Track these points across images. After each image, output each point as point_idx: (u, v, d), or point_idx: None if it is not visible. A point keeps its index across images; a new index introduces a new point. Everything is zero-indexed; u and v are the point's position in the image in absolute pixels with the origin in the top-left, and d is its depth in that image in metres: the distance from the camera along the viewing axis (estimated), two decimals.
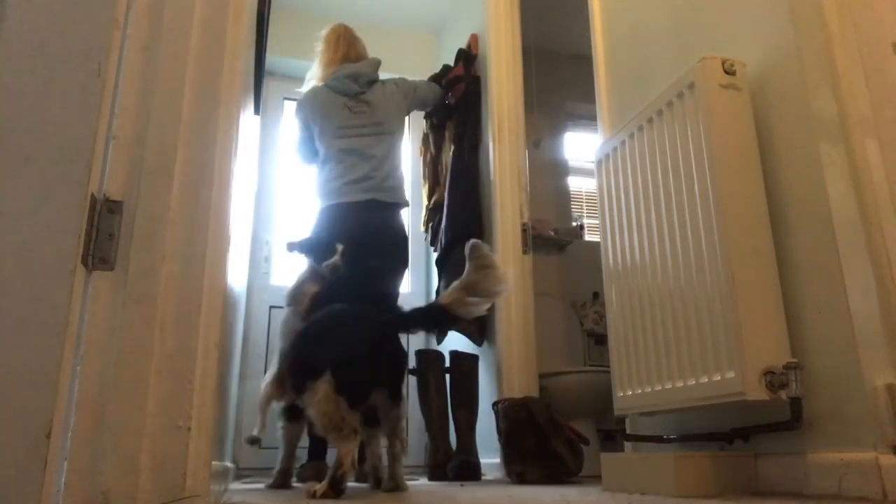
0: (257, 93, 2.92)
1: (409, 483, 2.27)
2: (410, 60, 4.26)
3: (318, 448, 2.36)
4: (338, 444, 1.48)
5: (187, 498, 0.87)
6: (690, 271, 1.48)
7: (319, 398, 1.46)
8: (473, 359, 2.79)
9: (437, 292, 3.27)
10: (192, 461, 0.89)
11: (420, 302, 3.97)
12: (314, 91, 2.80)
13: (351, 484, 2.02)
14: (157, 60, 0.98)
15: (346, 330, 1.60)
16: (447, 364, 2.78)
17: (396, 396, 1.67)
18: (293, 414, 1.95)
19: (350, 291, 1.84)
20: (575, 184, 4.36)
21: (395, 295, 2.61)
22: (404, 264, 2.68)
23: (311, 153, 2.80)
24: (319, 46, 2.95)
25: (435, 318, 1.71)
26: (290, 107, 4.06)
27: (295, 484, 2.11)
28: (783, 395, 1.27)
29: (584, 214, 4.30)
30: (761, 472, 1.37)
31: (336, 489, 1.45)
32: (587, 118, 4.33)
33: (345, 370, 1.48)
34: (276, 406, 2.09)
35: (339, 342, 1.56)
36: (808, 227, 1.34)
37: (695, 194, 1.48)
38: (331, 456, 2.59)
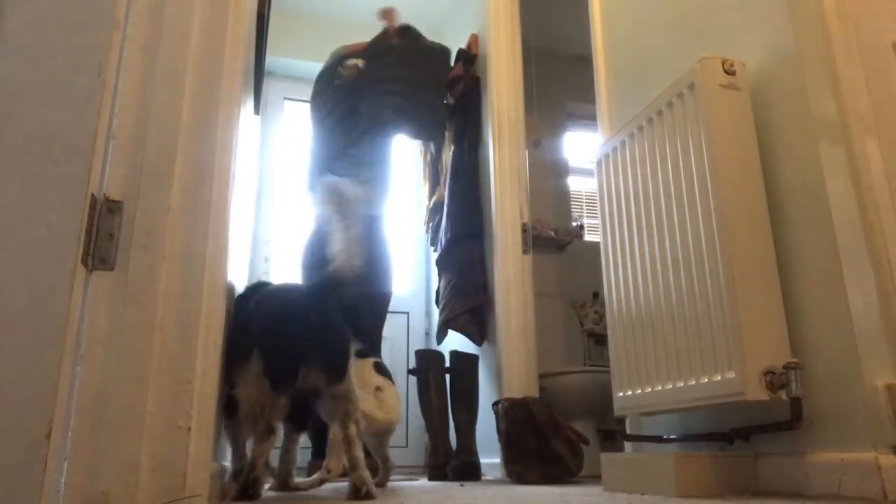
0: (257, 93, 2.93)
1: (408, 483, 2.28)
2: None
3: (321, 447, 2.35)
4: (253, 440, 1.37)
5: (187, 498, 0.87)
6: (690, 271, 1.48)
7: (247, 380, 1.35)
8: (473, 359, 2.79)
9: (438, 292, 3.27)
10: (192, 461, 0.89)
11: (421, 302, 3.98)
12: None
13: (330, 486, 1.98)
14: (157, 60, 0.98)
15: (269, 303, 1.47)
16: (447, 364, 2.78)
17: (334, 375, 1.43)
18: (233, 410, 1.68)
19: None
20: (575, 184, 4.36)
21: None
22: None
23: None
24: None
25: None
26: (290, 107, 4.07)
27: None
28: (783, 395, 1.27)
29: (584, 214, 4.30)
30: (761, 472, 1.37)
31: (246, 495, 1.32)
32: (587, 118, 4.32)
33: (269, 348, 1.36)
34: None
35: (262, 318, 1.43)
36: (808, 227, 1.34)
37: (695, 194, 1.47)
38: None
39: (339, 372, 1.43)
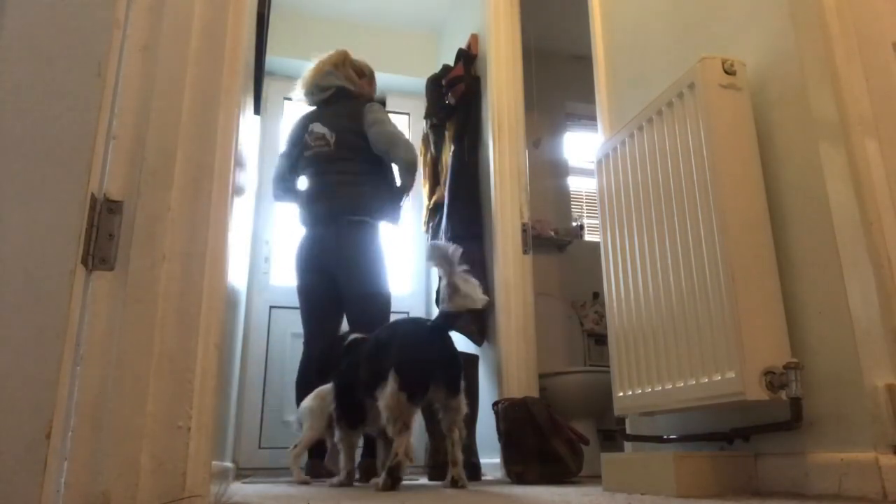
0: (257, 93, 2.93)
1: (408, 483, 2.28)
2: (410, 60, 4.27)
3: (371, 448, 2.43)
4: (394, 436, 1.71)
5: (187, 498, 0.87)
6: (690, 271, 1.48)
7: (388, 394, 1.72)
8: (473, 359, 2.79)
9: (438, 292, 3.27)
10: (192, 461, 0.89)
11: (420, 301, 3.98)
12: None
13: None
14: (157, 60, 0.98)
15: (403, 337, 1.86)
16: None
17: (453, 391, 1.84)
18: (350, 422, 2.09)
19: None
20: (575, 184, 4.36)
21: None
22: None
23: None
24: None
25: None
26: (290, 107, 4.07)
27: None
28: (783, 395, 1.27)
29: (584, 214, 4.30)
30: (761, 472, 1.37)
31: (392, 478, 1.66)
32: (587, 118, 4.33)
33: (407, 371, 1.74)
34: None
35: (399, 347, 1.82)
36: (808, 227, 1.34)
37: (695, 194, 1.47)
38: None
39: (456, 388, 1.84)
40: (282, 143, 3.04)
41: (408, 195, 2.82)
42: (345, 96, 2.89)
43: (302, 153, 2.84)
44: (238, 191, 1.81)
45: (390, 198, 2.79)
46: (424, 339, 1.83)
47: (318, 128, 2.82)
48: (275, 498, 1.50)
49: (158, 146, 0.96)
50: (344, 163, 2.74)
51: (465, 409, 1.86)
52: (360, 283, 2.63)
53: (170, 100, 0.98)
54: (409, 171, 2.75)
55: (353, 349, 2.10)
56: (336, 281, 2.67)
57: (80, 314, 0.83)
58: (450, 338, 1.87)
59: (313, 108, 2.96)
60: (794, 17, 1.40)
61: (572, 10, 3.35)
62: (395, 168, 2.81)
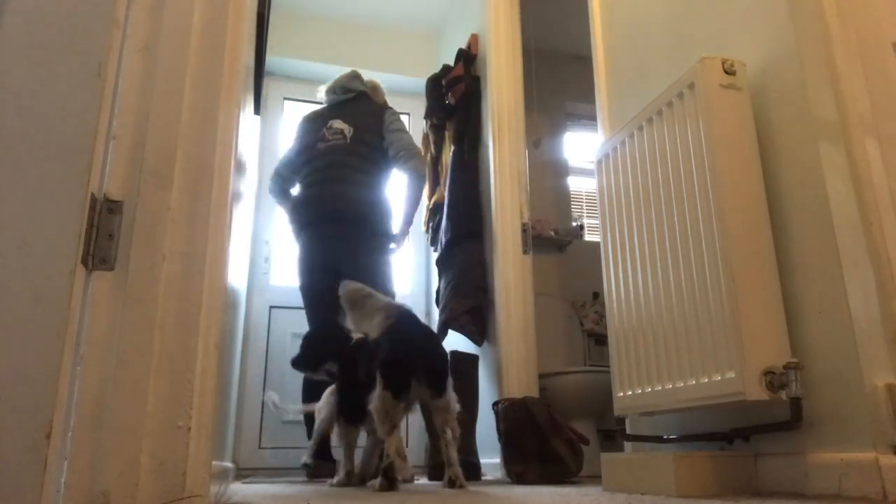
0: (257, 93, 2.93)
1: (409, 483, 2.28)
2: (410, 60, 4.27)
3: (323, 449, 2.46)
4: (384, 437, 1.72)
5: (187, 498, 0.87)
6: (690, 271, 1.48)
7: (376, 395, 1.74)
8: (473, 359, 2.79)
9: (438, 292, 3.27)
10: (192, 461, 0.89)
11: (421, 302, 3.98)
12: None
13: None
14: (157, 60, 0.98)
15: (393, 335, 1.87)
16: None
17: (437, 390, 1.82)
18: (350, 419, 2.12)
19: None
20: (575, 184, 4.36)
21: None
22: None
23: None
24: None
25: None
26: (290, 107, 4.07)
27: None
28: (783, 395, 1.27)
29: (584, 214, 4.30)
30: (761, 472, 1.37)
31: (388, 479, 1.67)
32: (587, 118, 4.33)
33: (388, 369, 1.75)
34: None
35: (385, 348, 1.83)
36: (808, 227, 1.34)
37: (695, 194, 1.47)
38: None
39: (441, 387, 1.82)
40: (282, 143, 3.06)
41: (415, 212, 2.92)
42: (365, 100, 3.02)
43: (314, 144, 2.88)
44: (238, 191, 1.81)
45: (403, 214, 2.87)
46: (407, 337, 1.84)
47: (338, 124, 2.90)
48: (275, 498, 1.50)
49: (158, 146, 0.96)
50: (356, 158, 2.81)
51: (455, 407, 1.86)
52: (365, 281, 2.64)
53: (170, 100, 0.98)
54: (419, 183, 2.88)
55: (357, 351, 2.11)
56: (341, 278, 2.68)
57: (80, 314, 0.83)
58: (435, 336, 1.89)
59: (327, 108, 3.03)
60: (794, 17, 1.40)
61: (572, 10, 3.35)
62: (405, 177, 2.88)
